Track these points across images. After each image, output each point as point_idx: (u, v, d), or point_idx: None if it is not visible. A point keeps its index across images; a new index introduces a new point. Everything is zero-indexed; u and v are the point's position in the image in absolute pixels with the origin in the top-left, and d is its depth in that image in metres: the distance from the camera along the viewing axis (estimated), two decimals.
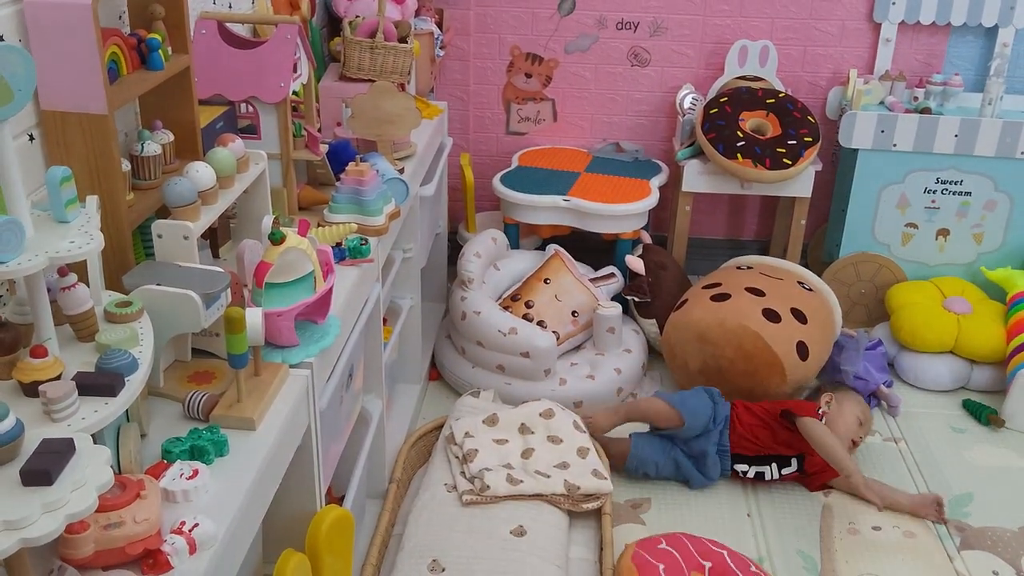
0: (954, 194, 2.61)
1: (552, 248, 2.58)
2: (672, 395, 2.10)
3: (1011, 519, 2.01)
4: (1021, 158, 2.53)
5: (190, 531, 0.95)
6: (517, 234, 2.72)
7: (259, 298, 1.24)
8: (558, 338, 2.36)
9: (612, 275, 2.60)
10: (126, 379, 0.99)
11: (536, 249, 2.72)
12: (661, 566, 1.66)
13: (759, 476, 2.07)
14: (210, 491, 1.04)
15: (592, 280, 2.55)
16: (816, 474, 2.06)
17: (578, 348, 2.46)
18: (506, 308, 2.41)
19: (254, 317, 1.16)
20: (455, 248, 2.67)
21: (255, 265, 1.26)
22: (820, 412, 2.06)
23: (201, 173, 1.29)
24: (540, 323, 2.38)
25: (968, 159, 2.56)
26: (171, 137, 1.42)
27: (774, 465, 2.07)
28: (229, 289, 1.20)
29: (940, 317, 2.47)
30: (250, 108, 1.65)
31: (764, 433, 2.05)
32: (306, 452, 1.31)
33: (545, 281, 2.48)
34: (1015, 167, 2.55)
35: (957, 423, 2.35)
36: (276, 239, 1.23)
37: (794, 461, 2.06)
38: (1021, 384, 2.28)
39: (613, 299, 2.53)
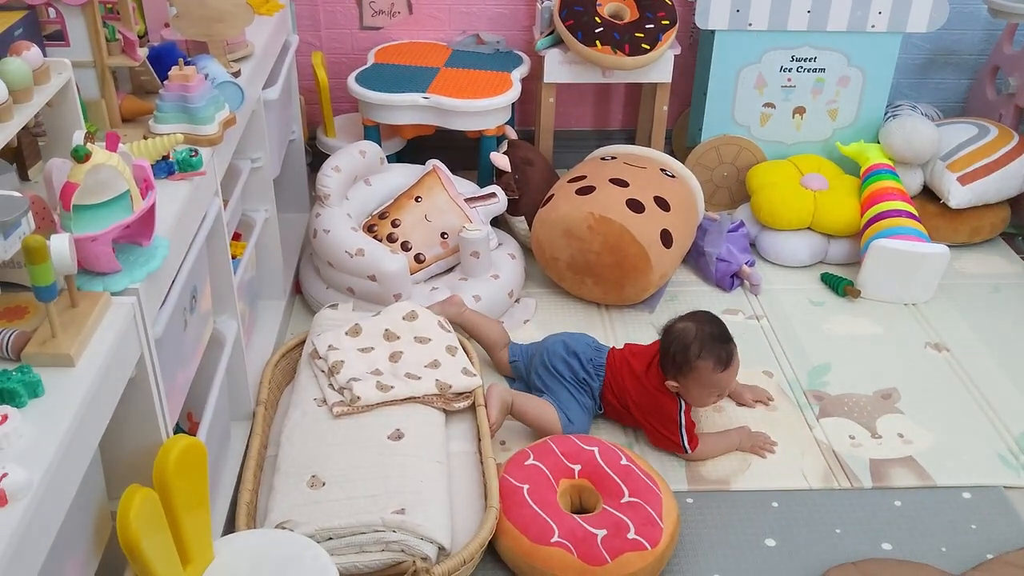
0: (809, 71, 2.63)
1: (431, 164, 2.44)
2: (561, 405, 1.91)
3: (866, 385, 2.11)
4: (872, 31, 2.57)
5: None
6: (378, 136, 2.61)
7: (68, 223, 1.13)
8: (423, 261, 2.28)
9: (492, 195, 2.40)
10: None
11: (416, 164, 2.50)
12: (526, 487, 1.65)
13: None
14: (24, 436, 0.96)
15: (470, 200, 2.38)
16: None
17: (450, 272, 2.34)
18: (372, 227, 2.29)
19: (60, 244, 1.05)
20: (322, 156, 2.54)
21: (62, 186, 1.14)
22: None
23: None
24: (404, 244, 2.26)
25: (821, 35, 2.57)
26: None
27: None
28: (30, 215, 1.09)
29: (797, 195, 2.52)
30: (55, 12, 1.49)
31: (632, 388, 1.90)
32: (142, 383, 1.22)
33: (416, 199, 2.34)
34: (866, 40, 2.59)
35: (816, 296, 2.44)
36: (80, 156, 1.12)
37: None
38: (874, 254, 2.36)
39: (494, 221, 2.41)
